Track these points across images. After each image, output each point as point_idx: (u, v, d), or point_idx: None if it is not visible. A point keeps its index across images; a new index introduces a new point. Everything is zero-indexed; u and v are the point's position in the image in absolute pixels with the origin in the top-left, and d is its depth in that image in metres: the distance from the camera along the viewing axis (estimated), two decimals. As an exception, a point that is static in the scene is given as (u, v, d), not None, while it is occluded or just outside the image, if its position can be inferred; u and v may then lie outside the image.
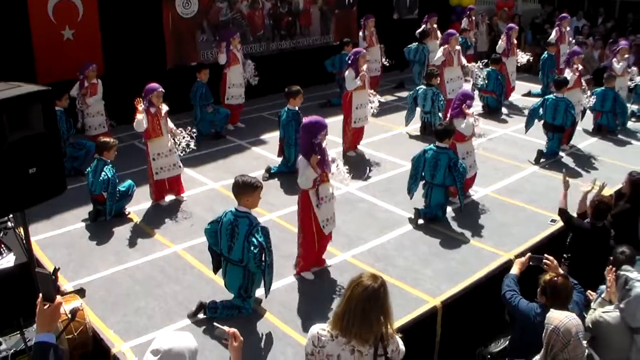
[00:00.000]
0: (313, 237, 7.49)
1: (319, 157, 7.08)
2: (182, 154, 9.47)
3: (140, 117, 8.95)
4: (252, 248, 6.33)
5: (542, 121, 11.81)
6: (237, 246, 6.46)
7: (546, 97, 11.99)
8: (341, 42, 15.26)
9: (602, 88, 13.20)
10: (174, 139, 9.41)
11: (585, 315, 5.84)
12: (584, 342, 4.53)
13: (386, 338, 4.28)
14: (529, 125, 12.06)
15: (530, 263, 6.12)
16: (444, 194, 9.04)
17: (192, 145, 9.44)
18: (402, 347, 4.45)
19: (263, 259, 6.40)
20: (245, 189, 6.43)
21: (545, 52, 15.80)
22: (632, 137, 13.27)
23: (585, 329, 4.85)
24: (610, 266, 6.16)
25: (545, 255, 6.08)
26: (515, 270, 6.09)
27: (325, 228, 7.47)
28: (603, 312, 5.74)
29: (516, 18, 21.11)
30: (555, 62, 15.47)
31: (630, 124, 13.89)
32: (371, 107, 11.31)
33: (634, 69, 14.36)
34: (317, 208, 7.33)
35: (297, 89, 10.46)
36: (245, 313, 6.79)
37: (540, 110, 11.74)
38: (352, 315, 4.15)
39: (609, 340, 5.61)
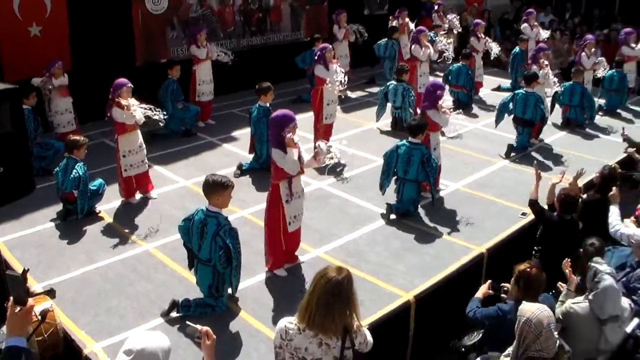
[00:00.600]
0: (279, 234, 7.46)
1: (293, 140, 7.09)
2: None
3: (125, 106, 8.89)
4: (217, 249, 6.33)
5: (512, 115, 11.90)
6: (205, 246, 6.46)
7: (516, 91, 12.11)
8: (312, 38, 15.29)
9: (570, 82, 13.35)
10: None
11: (555, 307, 5.92)
12: (555, 333, 4.58)
13: (353, 330, 4.30)
14: (499, 119, 12.15)
15: (490, 291, 6.16)
16: (416, 189, 9.07)
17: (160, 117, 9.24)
18: (369, 338, 4.49)
19: (229, 260, 6.40)
20: (216, 188, 6.39)
21: (517, 47, 15.93)
22: (600, 130, 13.42)
23: (555, 320, 4.89)
24: (568, 259, 6.26)
25: (504, 284, 6.11)
26: (479, 294, 6.13)
27: (291, 225, 7.44)
28: (573, 303, 5.84)
29: (485, 13, 21.24)
30: (525, 57, 15.61)
31: (597, 118, 14.05)
32: (338, 81, 11.11)
33: (601, 59, 14.53)
34: (286, 203, 7.31)
35: (267, 86, 10.43)
36: (218, 311, 6.76)
37: (510, 105, 11.83)
38: (315, 308, 4.18)
39: (579, 330, 5.70)
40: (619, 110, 14.75)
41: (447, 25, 17.85)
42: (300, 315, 4.28)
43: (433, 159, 8.94)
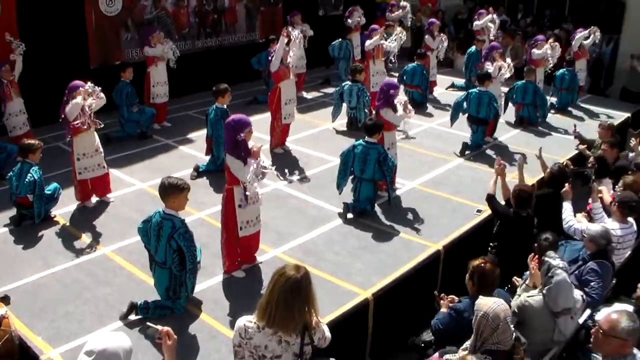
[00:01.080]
0: (234, 237, 7.46)
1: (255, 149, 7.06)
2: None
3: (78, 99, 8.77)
4: (172, 252, 6.34)
5: (467, 114, 12.06)
6: (161, 248, 6.47)
7: (470, 90, 12.28)
8: (267, 39, 15.25)
9: (523, 81, 13.59)
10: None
11: (511, 300, 6.03)
12: (512, 326, 4.69)
13: (312, 327, 4.38)
14: (454, 118, 12.30)
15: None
16: (373, 188, 9.15)
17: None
18: (328, 334, 4.57)
19: (183, 263, 6.41)
20: (172, 191, 6.38)
21: (473, 47, 16.13)
22: (552, 128, 13.69)
23: (511, 313, 5.01)
24: (533, 254, 6.38)
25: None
26: (443, 308, 6.21)
27: (242, 230, 7.39)
28: (528, 297, 5.95)
29: (439, 14, 21.45)
30: (480, 57, 15.84)
31: (549, 116, 14.31)
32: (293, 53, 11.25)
33: (555, 44, 14.86)
34: (239, 208, 7.28)
35: (225, 87, 10.41)
36: (177, 313, 6.75)
37: (465, 104, 11.99)
38: (275, 306, 4.22)
39: (534, 323, 5.83)
40: (570, 108, 15.07)
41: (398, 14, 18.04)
42: (260, 314, 4.31)
43: (389, 158, 9.01)
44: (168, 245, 6.36)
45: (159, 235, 6.42)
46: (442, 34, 16.46)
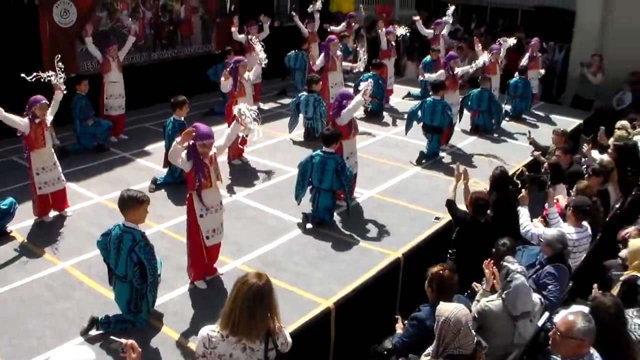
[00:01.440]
0: (200, 247, 7.45)
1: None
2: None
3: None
4: (132, 265, 6.32)
5: (421, 123, 12.19)
6: (121, 262, 6.43)
7: (424, 99, 12.41)
8: (223, 50, 15.25)
9: (478, 89, 13.79)
10: None
11: (471, 305, 6.13)
12: (473, 331, 4.77)
13: (275, 332, 4.46)
14: (408, 127, 12.43)
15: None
16: (331, 198, 9.20)
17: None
18: (289, 339, 4.67)
19: (144, 276, 6.41)
20: (131, 204, 6.36)
21: (428, 57, 16.31)
22: (507, 135, 13.93)
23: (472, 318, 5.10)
24: (489, 259, 6.50)
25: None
26: (399, 330, 6.30)
27: (208, 239, 7.42)
28: (487, 302, 6.05)
29: (394, 23, 21.60)
30: (434, 66, 16.02)
31: (504, 123, 14.56)
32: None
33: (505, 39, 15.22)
34: (200, 218, 7.28)
35: (183, 99, 10.39)
36: (139, 326, 6.71)
37: (419, 113, 12.12)
38: (238, 314, 4.30)
39: (494, 327, 5.93)
40: (524, 116, 15.37)
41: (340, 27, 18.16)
42: (224, 323, 4.37)
43: (347, 168, 9.08)
44: (129, 258, 6.33)
45: (119, 248, 6.38)
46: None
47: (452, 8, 17.10)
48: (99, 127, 12.24)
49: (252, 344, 4.37)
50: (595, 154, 10.44)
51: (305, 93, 13.14)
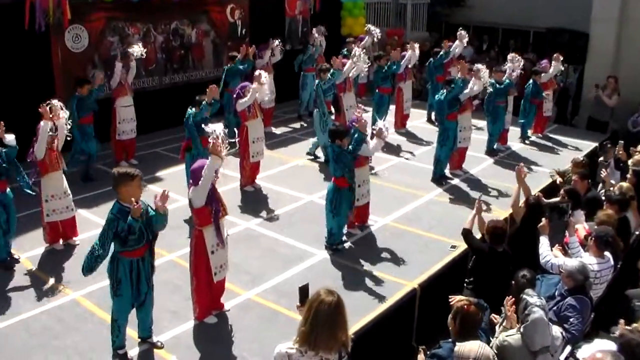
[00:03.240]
0: (207, 284, 7.26)
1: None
2: None
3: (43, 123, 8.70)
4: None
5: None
6: None
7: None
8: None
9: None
10: None
11: (491, 340, 5.98)
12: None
13: (347, 343, 4.70)
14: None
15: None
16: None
17: None
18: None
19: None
20: (123, 180, 6.36)
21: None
22: (521, 159, 13.68)
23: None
24: (510, 296, 6.32)
25: None
26: None
27: (217, 275, 7.20)
28: (507, 336, 5.89)
29: (409, 42, 21.53)
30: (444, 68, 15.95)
31: (518, 147, 14.44)
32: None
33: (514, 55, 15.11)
34: (211, 255, 7.07)
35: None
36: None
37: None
38: (320, 331, 4.48)
39: (514, 362, 5.77)
40: (538, 140, 15.27)
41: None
42: (303, 339, 4.54)
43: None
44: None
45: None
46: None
47: (463, 32, 16.91)
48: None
49: (329, 356, 4.56)
50: (613, 177, 10.24)
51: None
